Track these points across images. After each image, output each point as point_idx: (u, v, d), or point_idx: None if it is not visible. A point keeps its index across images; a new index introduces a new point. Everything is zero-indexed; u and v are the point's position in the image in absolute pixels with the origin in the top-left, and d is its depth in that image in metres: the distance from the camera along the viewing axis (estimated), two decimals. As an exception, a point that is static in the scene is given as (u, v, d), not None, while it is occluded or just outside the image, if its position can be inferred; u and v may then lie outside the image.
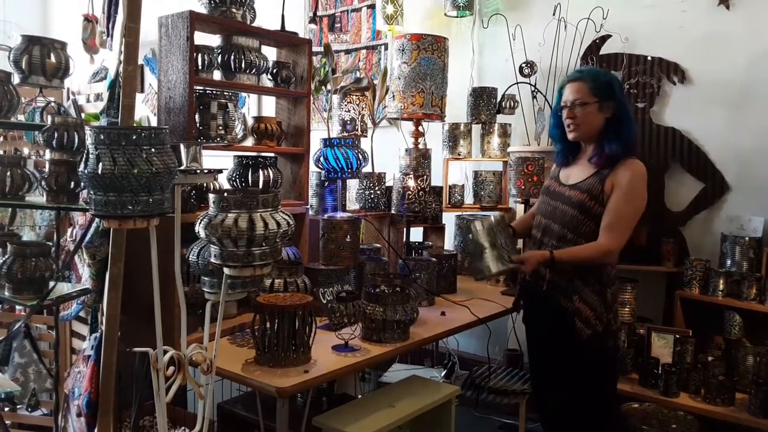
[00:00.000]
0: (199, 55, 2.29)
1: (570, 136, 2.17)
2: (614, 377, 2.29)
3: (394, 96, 3.13)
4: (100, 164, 1.22)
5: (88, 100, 4.62)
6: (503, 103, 3.44)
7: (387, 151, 3.38)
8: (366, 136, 3.15)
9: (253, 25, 2.46)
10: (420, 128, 3.21)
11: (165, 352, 1.45)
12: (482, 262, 2.15)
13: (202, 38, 2.33)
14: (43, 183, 2.07)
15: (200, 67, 2.30)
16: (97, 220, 2.05)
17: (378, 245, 2.90)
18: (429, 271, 2.68)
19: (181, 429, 2.59)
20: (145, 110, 5.37)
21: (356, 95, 3.12)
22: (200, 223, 1.41)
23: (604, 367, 2.15)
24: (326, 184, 2.83)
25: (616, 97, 2.10)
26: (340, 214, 2.66)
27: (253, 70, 2.43)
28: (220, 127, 2.33)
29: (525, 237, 2.49)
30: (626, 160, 2.07)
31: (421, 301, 2.58)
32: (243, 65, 2.38)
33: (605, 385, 2.18)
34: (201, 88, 2.31)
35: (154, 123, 4.47)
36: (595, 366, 2.13)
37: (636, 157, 2.10)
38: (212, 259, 1.45)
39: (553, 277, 2.14)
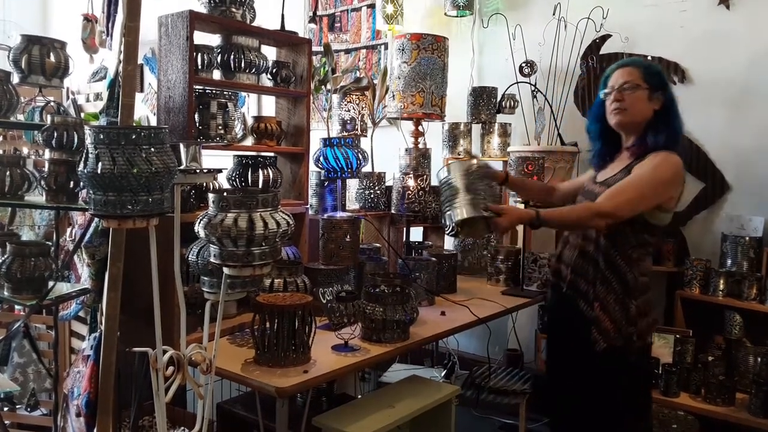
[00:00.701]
0: (199, 54, 2.29)
1: (613, 120, 1.97)
2: (631, 398, 1.98)
3: (394, 96, 3.13)
4: (100, 164, 1.22)
5: (87, 100, 4.61)
6: (503, 103, 3.44)
7: (387, 151, 3.38)
8: (366, 136, 3.15)
9: (252, 24, 2.46)
10: (420, 128, 3.20)
11: (164, 352, 1.44)
12: (455, 208, 1.86)
13: (201, 38, 2.32)
14: (42, 183, 2.07)
15: (200, 67, 2.30)
16: (96, 219, 2.05)
17: (378, 245, 2.90)
18: (429, 271, 2.68)
19: (181, 429, 2.58)
20: (144, 110, 5.37)
21: (356, 95, 3.12)
22: (200, 222, 1.41)
23: (617, 383, 1.93)
24: (326, 183, 2.83)
25: (667, 90, 1.96)
26: (339, 214, 2.66)
27: (253, 70, 2.43)
28: (220, 127, 2.33)
29: (525, 196, 2.35)
30: (664, 151, 1.88)
31: (421, 301, 2.58)
32: (243, 65, 2.38)
33: (616, 403, 1.94)
34: (201, 87, 2.31)
35: (153, 122, 4.47)
36: (607, 381, 1.93)
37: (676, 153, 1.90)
38: (212, 259, 1.44)
39: (574, 279, 1.98)
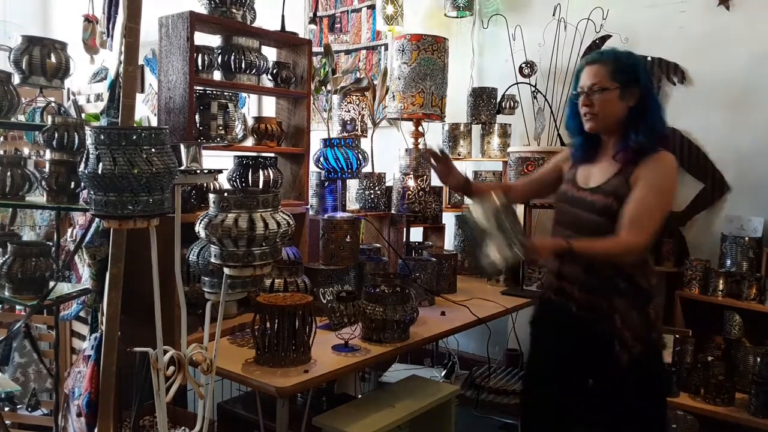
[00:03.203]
0: (199, 55, 2.30)
1: (586, 126, 1.90)
2: (661, 400, 1.98)
3: (394, 96, 3.14)
4: (100, 164, 1.22)
5: (88, 101, 4.62)
6: (503, 104, 3.44)
7: (387, 151, 3.38)
8: (366, 136, 3.15)
9: (253, 25, 2.47)
10: (420, 128, 3.21)
11: (165, 352, 1.45)
12: (487, 252, 1.74)
13: (202, 38, 2.33)
14: (43, 183, 2.07)
15: (200, 68, 2.31)
16: (97, 220, 2.05)
17: (378, 245, 2.90)
18: (429, 271, 2.68)
19: (181, 429, 2.59)
20: (145, 110, 5.37)
21: (356, 95, 3.13)
22: (200, 223, 1.42)
23: (648, 390, 1.87)
24: (326, 184, 2.83)
25: (642, 82, 1.83)
26: (340, 214, 2.66)
27: (253, 71, 2.43)
28: (220, 128, 2.33)
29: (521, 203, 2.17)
30: (655, 154, 1.80)
31: (421, 301, 2.58)
32: (243, 65, 2.39)
33: (649, 409, 1.88)
34: (201, 88, 2.31)
35: (154, 123, 4.47)
36: (639, 394, 1.85)
37: (668, 151, 1.83)
38: (212, 259, 1.45)
39: (586, 296, 1.86)
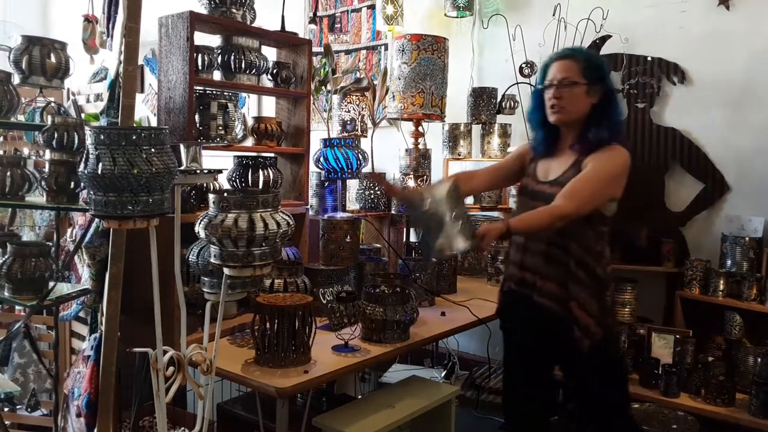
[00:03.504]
0: (199, 55, 2.29)
1: (552, 118, 1.96)
2: (622, 384, 2.10)
3: (394, 96, 3.13)
4: (100, 164, 1.22)
5: (88, 101, 4.61)
6: (503, 104, 3.44)
7: (387, 151, 3.38)
8: (366, 136, 3.15)
9: (253, 25, 2.46)
10: (420, 128, 3.21)
11: (165, 352, 1.45)
12: (442, 236, 1.79)
13: (202, 38, 2.33)
14: (43, 183, 2.07)
15: (200, 68, 2.30)
16: (96, 220, 2.05)
17: (378, 245, 2.90)
18: (429, 272, 2.68)
19: (181, 429, 2.59)
20: (145, 110, 5.36)
21: (356, 95, 3.12)
22: (200, 223, 1.41)
23: (608, 376, 1.99)
24: (326, 184, 2.83)
25: (606, 82, 1.95)
26: (340, 214, 2.66)
27: (253, 71, 2.43)
28: (220, 128, 2.33)
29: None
30: (609, 146, 1.90)
31: (421, 301, 2.58)
32: (243, 65, 2.38)
33: (615, 394, 2.02)
34: (201, 88, 2.31)
35: (154, 123, 4.47)
36: (599, 377, 1.98)
37: (622, 146, 1.93)
38: (212, 260, 1.45)
39: (544, 284, 1.95)
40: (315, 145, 2.75)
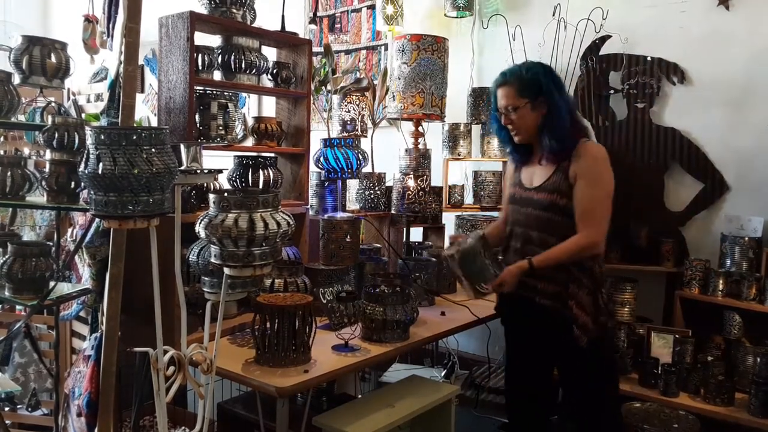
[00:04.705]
0: (200, 55, 2.30)
1: (516, 140, 2.12)
2: (615, 380, 2.24)
3: (394, 96, 3.14)
4: (101, 164, 1.22)
5: (88, 101, 4.61)
6: (503, 104, 3.44)
7: (387, 151, 3.38)
8: (366, 136, 3.15)
9: (253, 25, 2.47)
10: (420, 128, 3.21)
11: (165, 352, 1.45)
12: (464, 286, 2.13)
13: (202, 38, 2.33)
14: (43, 183, 2.07)
15: (200, 68, 2.31)
16: (97, 220, 2.05)
17: (378, 245, 2.90)
18: (429, 271, 2.68)
19: (181, 429, 2.59)
20: (145, 110, 5.37)
21: (356, 95, 3.13)
22: (200, 223, 1.42)
23: (603, 372, 2.10)
24: (326, 184, 2.83)
25: (545, 92, 2.02)
26: (340, 214, 2.66)
27: (253, 71, 2.43)
28: (220, 127, 2.33)
29: (500, 246, 2.33)
30: (580, 146, 2.01)
31: (421, 301, 2.58)
32: (243, 65, 2.39)
33: (607, 390, 2.13)
34: (201, 88, 2.31)
35: (154, 123, 4.47)
36: (595, 373, 2.08)
37: (587, 138, 2.06)
38: (212, 259, 1.45)
39: (545, 286, 2.04)
40: (315, 145, 2.75)
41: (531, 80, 2.03)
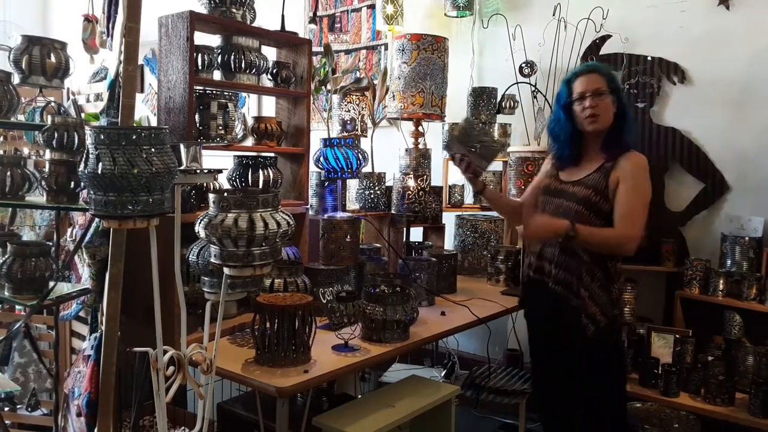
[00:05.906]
0: (199, 55, 2.29)
1: (590, 128, 2.10)
2: (622, 375, 2.27)
3: (394, 96, 3.13)
4: (100, 164, 1.22)
5: (88, 100, 4.60)
6: (503, 103, 3.44)
7: (387, 151, 3.38)
8: (366, 136, 3.15)
9: (253, 25, 2.46)
10: (420, 128, 3.21)
11: (165, 351, 1.45)
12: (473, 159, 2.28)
13: (202, 38, 2.33)
14: (43, 183, 2.07)
15: (200, 67, 2.30)
16: (96, 220, 2.05)
17: (378, 245, 2.90)
18: (429, 271, 2.68)
19: (181, 429, 2.59)
20: (145, 110, 5.37)
21: (356, 95, 3.12)
22: (200, 223, 1.41)
23: (609, 364, 2.15)
24: (326, 184, 2.83)
25: (621, 93, 2.15)
26: (340, 214, 2.66)
27: (253, 70, 2.43)
28: (220, 127, 2.33)
29: (496, 210, 2.49)
30: (627, 153, 2.08)
31: (421, 301, 2.58)
32: (243, 65, 2.38)
33: (611, 384, 2.16)
34: (201, 88, 2.31)
35: (154, 123, 4.47)
36: (601, 364, 2.12)
37: (636, 150, 2.13)
38: (212, 259, 1.45)
39: (560, 273, 2.11)
40: (315, 145, 2.75)
41: (614, 79, 2.14)
